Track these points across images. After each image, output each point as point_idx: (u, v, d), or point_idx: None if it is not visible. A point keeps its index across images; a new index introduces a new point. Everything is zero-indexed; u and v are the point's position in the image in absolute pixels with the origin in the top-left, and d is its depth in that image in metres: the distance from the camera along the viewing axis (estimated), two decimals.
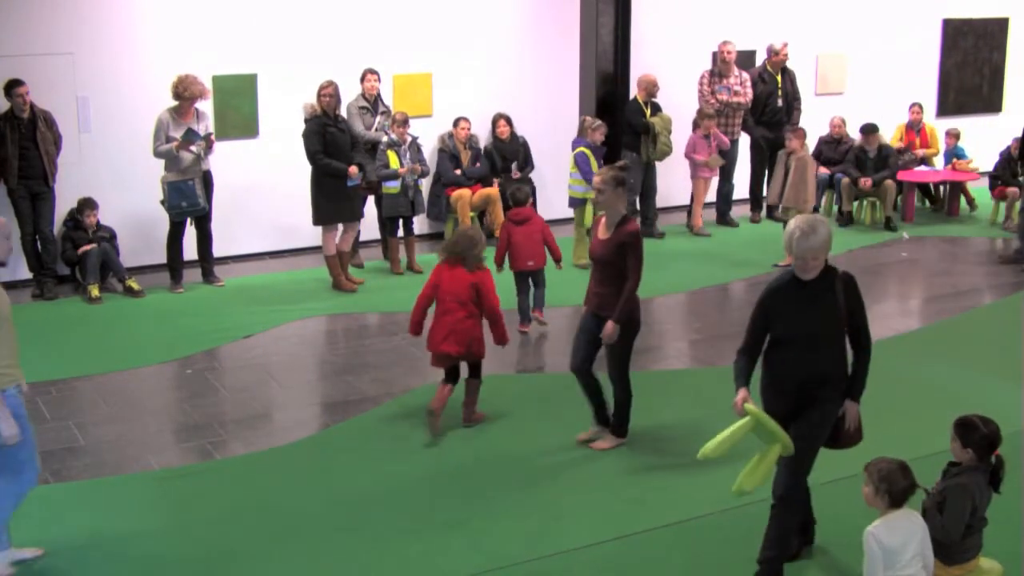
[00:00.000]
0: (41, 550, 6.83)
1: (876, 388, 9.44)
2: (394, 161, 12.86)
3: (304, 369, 10.42)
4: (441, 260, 8.77)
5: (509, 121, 14.76)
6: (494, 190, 14.31)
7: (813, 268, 6.16)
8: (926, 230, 15.53)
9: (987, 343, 10.86)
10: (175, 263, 12.55)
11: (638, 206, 15.04)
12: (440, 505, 7.50)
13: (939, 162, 17.14)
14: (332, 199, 12.38)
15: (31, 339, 10.99)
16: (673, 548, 6.91)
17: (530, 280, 11.25)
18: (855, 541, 5.79)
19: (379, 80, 13.56)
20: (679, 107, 15.35)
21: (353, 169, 12.36)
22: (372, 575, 6.66)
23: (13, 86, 11.89)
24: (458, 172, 14.26)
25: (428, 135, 14.44)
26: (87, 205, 12.47)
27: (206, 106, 12.65)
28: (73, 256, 12.38)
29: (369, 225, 13.67)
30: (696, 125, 14.90)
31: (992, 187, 16.07)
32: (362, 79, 13.41)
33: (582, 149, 13.21)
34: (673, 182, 15.68)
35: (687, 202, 15.64)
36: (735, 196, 15.85)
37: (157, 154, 12.15)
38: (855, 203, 15.92)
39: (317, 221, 12.49)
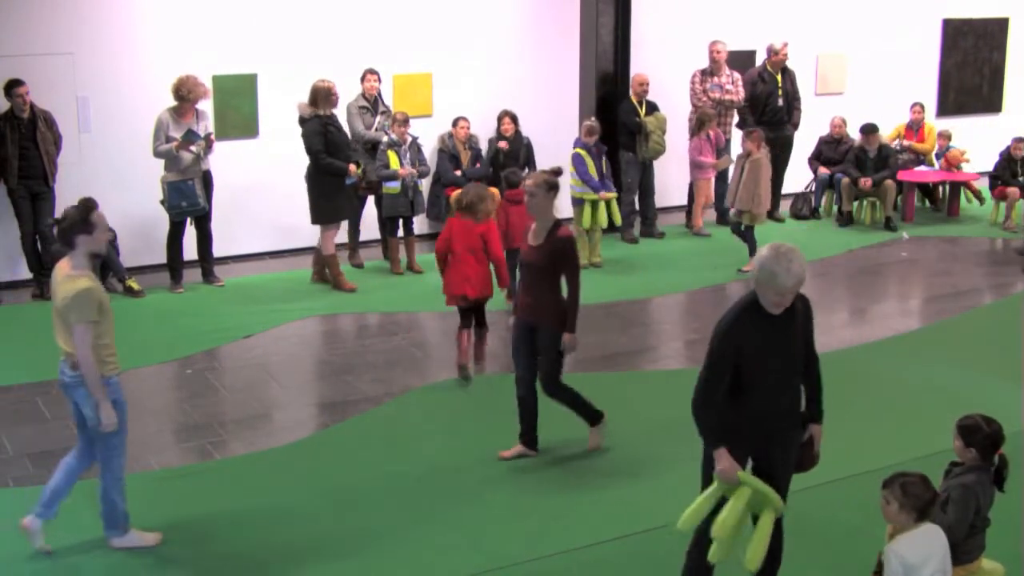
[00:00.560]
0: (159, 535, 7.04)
1: (876, 389, 9.50)
2: (394, 161, 12.86)
3: (304, 369, 10.42)
4: (453, 214, 9.86)
5: (514, 119, 14.74)
6: (493, 190, 14.29)
7: (789, 301, 5.57)
8: (926, 230, 15.53)
9: (987, 343, 10.86)
10: (175, 263, 12.55)
11: (637, 205, 15.05)
12: (440, 505, 7.50)
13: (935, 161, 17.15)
14: (332, 198, 12.39)
15: (31, 339, 11.00)
16: (673, 548, 6.90)
17: None
18: (852, 542, 5.79)
19: (379, 80, 13.56)
20: (679, 107, 15.35)
21: (353, 167, 12.39)
22: (370, 572, 6.66)
23: (13, 86, 11.89)
24: (458, 172, 14.25)
25: (428, 135, 14.43)
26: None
27: (206, 106, 12.65)
28: None
29: (369, 225, 13.67)
30: (701, 125, 14.87)
31: (992, 187, 16.07)
32: (362, 79, 13.41)
33: (577, 150, 13.27)
34: (671, 182, 15.68)
35: (685, 202, 15.64)
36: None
37: (157, 154, 12.14)
38: (855, 203, 15.92)
39: (317, 220, 12.49)
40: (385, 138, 13.01)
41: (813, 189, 16.42)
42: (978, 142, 17.36)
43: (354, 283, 12.64)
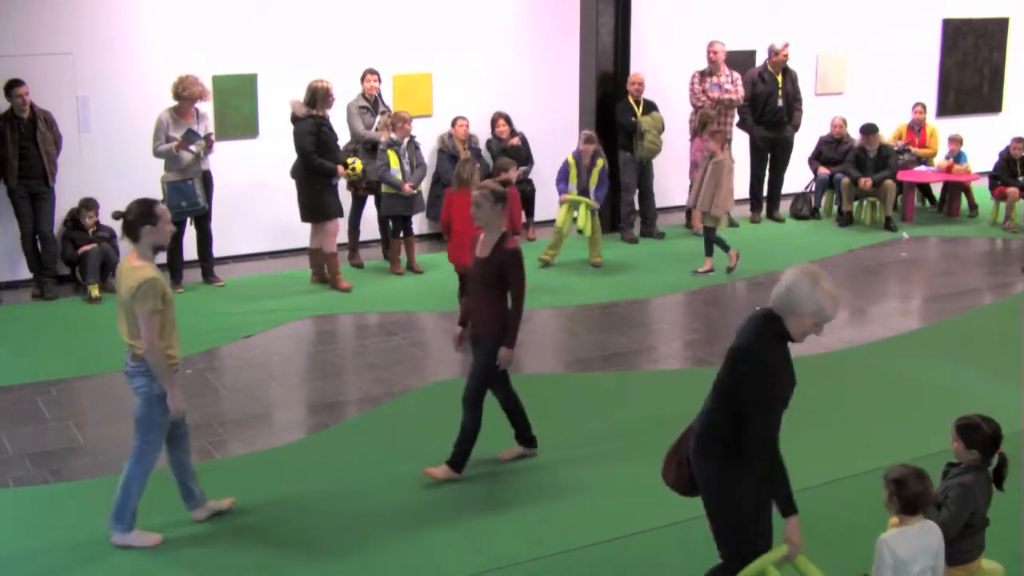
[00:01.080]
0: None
1: (876, 388, 9.50)
2: (394, 161, 12.85)
3: (304, 369, 10.42)
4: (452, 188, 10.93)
5: (508, 120, 14.77)
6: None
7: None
8: (926, 230, 15.53)
9: (987, 343, 10.86)
10: (175, 263, 12.55)
11: (636, 206, 15.05)
12: (439, 505, 7.50)
13: (938, 162, 17.13)
14: (320, 196, 12.41)
15: (31, 339, 11.02)
16: (673, 548, 6.91)
17: None
18: (852, 541, 5.79)
19: (379, 80, 13.56)
20: (679, 107, 15.35)
21: (340, 168, 12.42)
22: (370, 573, 6.67)
23: (13, 86, 11.89)
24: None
25: (428, 135, 14.45)
26: (87, 205, 12.47)
27: (206, 106, 12.65)
28: (73, 256, 12.39)
29: (369, 225, 13.67)
30: (703, 126, 14.85)
31: (992, 187, 16.07)
32: (362, 79, 13.41)
33: (569, 157, 13.43)
34: (671, 182, 15.67)
35: (684, 202, 15.62)
36: (735, 196, 15.80)
37: (157, 154, 12.14)
38: (855, 203, 15.92)
39: (306, 218, 12.50)
40: (384, 138, 13.00)
41: (813, 189, 16.42)
42: (978, 142, 17.35)
43: (350, 283, 12.64)
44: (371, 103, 13.47)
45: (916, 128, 17.20)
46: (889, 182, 15.52)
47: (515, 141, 14.59)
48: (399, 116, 13.03)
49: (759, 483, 5.25)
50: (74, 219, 12.52)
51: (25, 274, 12.56)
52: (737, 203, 15.82)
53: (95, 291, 12.11)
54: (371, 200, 13.49)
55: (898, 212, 16.12)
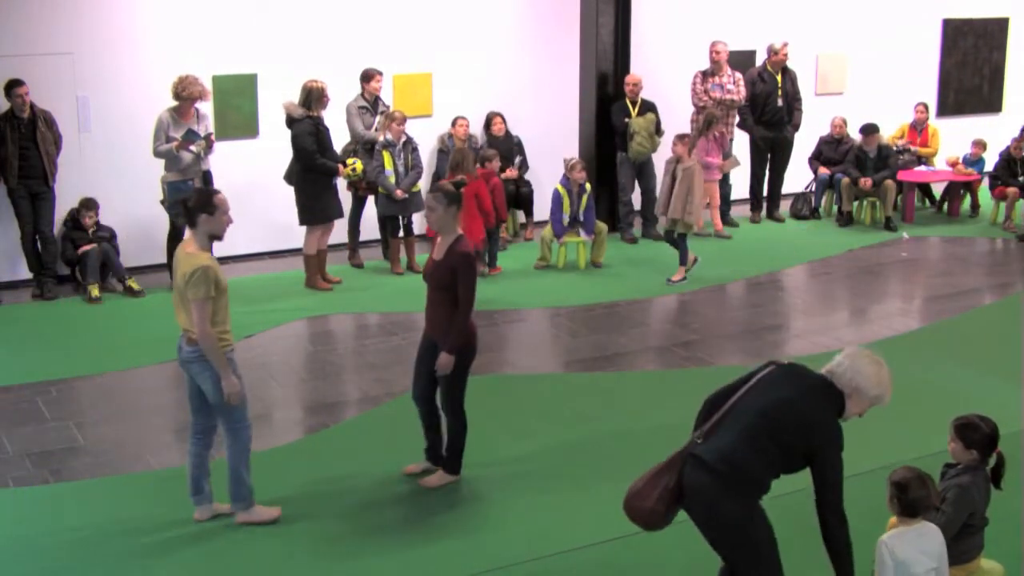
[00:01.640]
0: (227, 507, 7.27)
1: None
2: (388, 162, 12.85)
3: (304, 369, 10.42)
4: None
5: (504, 119, 14.77)
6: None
7: None
8: (926, 230, 15.53)
9: (987, 343, 10.87)
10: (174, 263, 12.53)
11: (635, 206, 15.03)
12: (439, 506, 7.51)
13: (940, 162, 17.12)
14: (320, 198, 12.42)
15: (31, 339, 11.03)
16: (673, 548, 6.91)
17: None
18: (854, 542, 5.78)
19: (381, 80, 13.56)
20: (680, 107, 15.34)
21: (341, 167, 12.43)
22: (369, 573, 6.67)
23: (13, 86, 11.89)
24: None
25: (428, 135, 14.45)
26: (87, 205, 12.47)
27: (206, 106, 12.65)
28: (73, 256, 12.38)
29: (369, 225, 13.67)
30: (708, 126, 14.84)
31: (992, 187, 16.07)
32: (368, 79, 13.38)
33: (558, 187, 13.39)
34: None
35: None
36: (734, 196, 15.83)
37: (157, 154, 12.13)
38: (855, 203, 15.92)
39: (306, 221, 12.50)
40: (381, 138, 13.00)
41: (813, 189, 16.42)
42: None
43: (328, 284, 12.68)
44: (371, 103, 13.46)
45: (918, 128, 17.19)
46: (889, 182, 15.52)
47: (499, 129, 14.63)
48: (391, 116, 13.00)
49: (836, 546, 5.37)
50: (74, 219, 12.52)
51: (25, 274, 12.57)
52: (736, 203, 15.89)
53: (95, 291, 12.11)
54: (371, 200, 13.49)
55: (898, 212, 16.12)
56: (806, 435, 5.30)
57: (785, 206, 16.30)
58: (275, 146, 13.33)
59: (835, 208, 16.16)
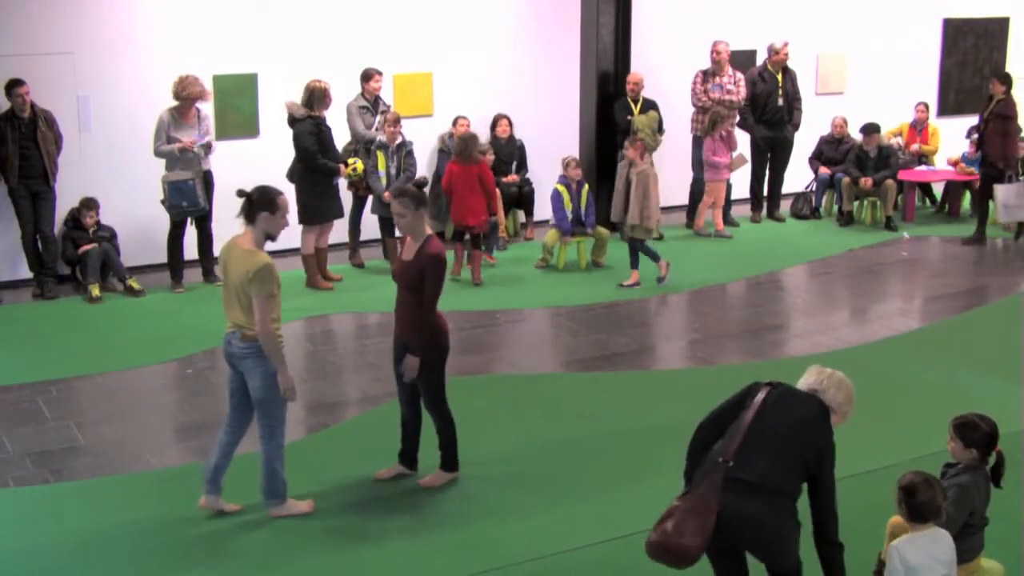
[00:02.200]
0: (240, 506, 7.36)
1: (876, 388, 9.49)
2: (381, 163, 12.85)
3: (304, 369, 10.41)
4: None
5: (510, 122, 14.76)
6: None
7: None
8: (926, 230, 15.52)
9: (987, 343, 10.86)
10: (175, 263, 12.56)
11: None
12: (439, 505, 7.51)
13: (940, 161, 17.10)
14: (321, 198, 12.43)
15: (31, 339, 11.03)
16: None
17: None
18: (851, 542, 5.79)
19: (381, 80, 13.56)
20: (680, 107, 15.34)
21: (342, 167, 12.44)
22: (371, 574, 6.67)
23: (13, 86, 11.89)
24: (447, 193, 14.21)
25: (429, 135, 14.46)
26: (87, 205, 12.47)
27: (207, 106, 12.66)
28: (74, 256, 12.39)
29: (370, 225, 13.66)
30: (713, 125, 14.86)
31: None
32: (368, 79, 13.38)
33: (557, 186, 13.37)
34: (674, 180, 15.61)
35: (686, 202, 15.62)
36: (735, 196, 15.83)
37: (158, 153, 12.15)
38: (855, 203, 15.91)
39: (306, 220, 12.50)
40: (378, 138, 13.00)
41: (814, 189, 16.42)
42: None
43: (329, 283, 12.70)
44: (371, 103, 13.46)
45: (918, 127, 17.17)
46: (890, 182, 15.51)
47: (504, 131, 14.63)
48: (386, 118, 13.01)
49: (832, 559, 5.65)
50: (74, 219, 12.52)
51: (25, 274, 12.57)
52: (737, 203, 15.88)
53: (95, 291, 12.11)
54: (371, 199, 13.49)
55: (899, 212, 16.11)
56: (820, 452, 5.52)
57: (786, 206, 16.29)
58: (275, 146, 13.33)
59: (835, 208, 16.15)
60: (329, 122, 12.57)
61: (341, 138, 13.19)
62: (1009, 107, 14.41)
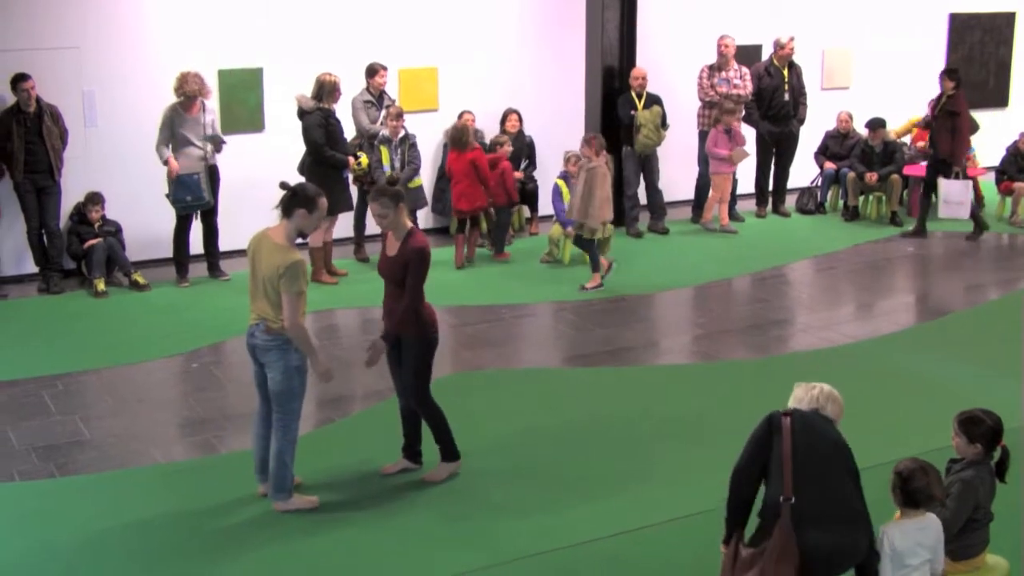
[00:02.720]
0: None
1: (881, 383, 9.50)
2: (385, 157, 12.86)
3: (310, 363, 10.41)
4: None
5: (520, 117, 14.75)
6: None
7: None
8: (932, 225, 15.48)
9: (992, 338, 10.84)
10: (181, 257, 12.57)
11: (642, 199, 15.01)
12: (444, 500, 7.52)
13: None
14: (330, 191, 12.40)
15: (37, 333, 11.05)
16: (681, 543, 6.92)
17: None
18: None
19: (387, 75, 13.55)
20: (686, 102, 15.33)
21: (351, 160, 12.44)
22: (375, 569, 6.68)
23: (19, 80, 11.90)
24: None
25: (434, 129, 14.46)
26: (93, 199, 12.48)
27: (212, 99, 12.66)
28: (79, 250, 12.40)
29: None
30: (716, 120, 14.86)
31: (998, 182, 16.02)
32: (372, 74, 13.38)
33: (558, 181, 13.38)
34: (677, 176, 15.61)
35: (691, 196, 15.61)
36: (740, 191, 15.81)
37: (158, 151, 12.15)
38: (861, 198, 15.89)
39: None
40: (381, 132, 13.01)
41: (819, 184, 16.39)
42: (984, 137, 17.28)
43: (333, 278, 12.72)
44: (376, 97, 13.47)
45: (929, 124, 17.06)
46: (895, 177, 15.49)
47: (513, 126, 14.62)
48: (388, 112, 13.03)
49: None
50: (80, 213, 12.54)
51: (31, 268, 12.58)
52: (742, 197, 15.86)
53: (101, 285, 12.13)
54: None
55: (904, 207, 16.07)
56: (852, 465, 5.53)
57: (791, 201, 16.28)
58: (281, 140, 13.35)
59: (841, 203, 16.13)
60: (337, 115, 12.57)
61: (348, 132, 13.19)
62: (958, 103, 14.43)
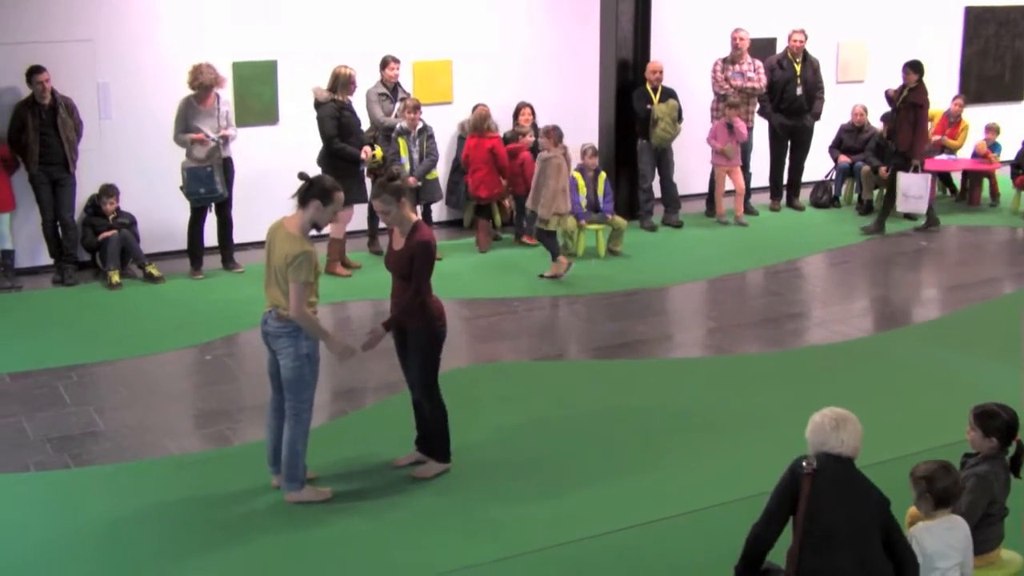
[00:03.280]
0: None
1: (894, 377, 9.48)
2: (404, 149, 12.87)
3: (322, 356, 10.40)
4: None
5: (533, 111, 14.74)
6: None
7: None
8: (946, 219, 15.45)
9: (1006, 333, 10.79)
10: (195, 249, 12.59)
11: (656, 193, 14.99)
12: (455, 491, 7.52)
13: (963, 154, 17.02)
14: (344, 182, 12.39)
15: (51, 325, 11.07)
16: (693, 537, 6.92)
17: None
18: None
19: (398, 67, 13.55)
20: (700, 95, 15.30)
21: (367, 151, 12.44)
22: (386, 561, 6.69)
23: (34, 73, 11.92)
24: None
25: (448, 122, 14.45)
26: (107, 191, 12.51)
27: (227, 93, 12.67)
28: (93, 242, 12.43)
29: None
30: (721, 113, 14.85)
31: (1013, 176, 15.98)
32: (384, 66, 13.40)
33: (574, 173, 13.31)
34: (692, 169, 15.59)
35: (705, 190, 15.59)
36: (754, 184, 15.78)
37: (177, 141, 12.18)
38: (875, 192, 15.84)
39: None
40: (399, 125, 13.02)
41: (833, 177, 16.36)
42: (999, 130, 17.25)
43: (347, 270, 12.72)
44: (390, 90, 13.47)
45: (951, 119, 17.03)
46: None
47: (526, 120, 14.63)
48: (405, 104, 13.04)
49: None
50: (94, 205, 12.57)
51: (45, 260, 12.62)
52: (756, 191, 15.83)
53: (115, 277, 12.16)
54: None
55: None
56: (885, 515, 5.22)
57: (805, 194, 16.25)
58: (295, 133, 13.37)
59: (855, 197, 16.10)
60: (354, 108, 12.58)
61: (365, 125, 13.19)
62: (920, 96, 14.39)
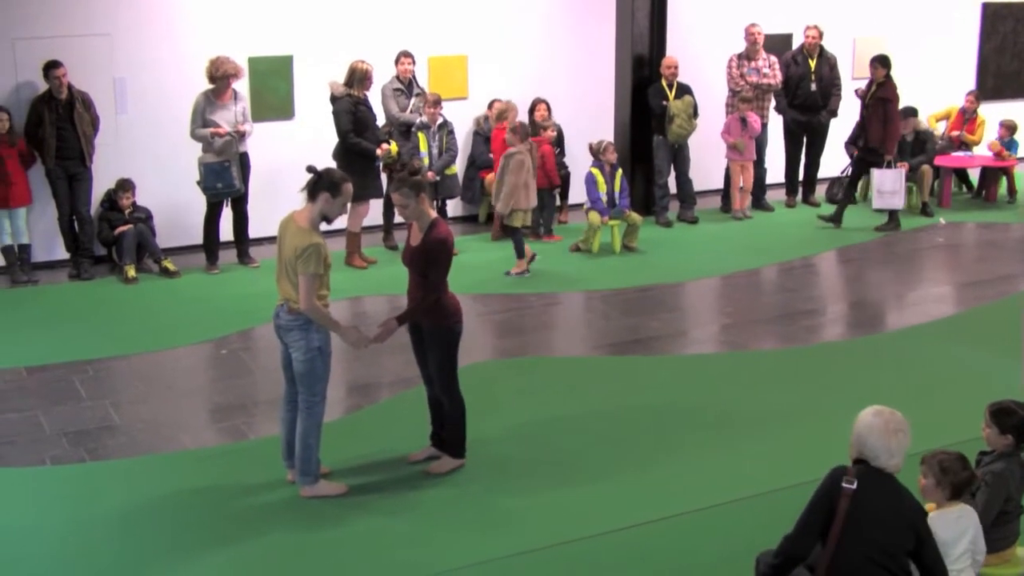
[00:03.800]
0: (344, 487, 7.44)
1: (910, 374, 9.46)
2: (423, 144, 12.89)
3: (337, 350, 10.39)
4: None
5: (549, 107, 14.72)
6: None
7: None
8: (962, 215, 15.41)
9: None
10: (211, 244, 12.62)
11: (672, 188, 14.98)
12: (469, 486, 7.52)
13: (977, 149, 16.96)
14: (360, 178, 12.44)
15: (67, 319, 11.11)
16: (707, 533, 6.91)
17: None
18: None
19: (413, 63, 13.55)
20: (716, 90, 15.28)
21: (384, 147, 12.45)
22: (400, 555, 6.70)
23: (51, 67, 11.96)
24: (492, 155, 14.26)
25: (464, 117, 14.46)
26: (124, 186, 12.54)
27: (243, 87, 12.70)
28: (110, 237, 12.46)
29: None
30: (735, 108, 14.83)
31: None
32: (396, 61, 13.41)
33: (592, 169, 13.35)
34: (710, 165, 15.57)
35: (721, 186, 15.57)
36: (769, 180, 15.75)
37: (194, 136, 12.21)
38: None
39: None
40: (418, 120, 13.04)
41: (849, 173, 16.31)
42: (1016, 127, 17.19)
43: (364, 263, 12.76)
44: (405, 85, 13.48)
45: (967, 115, 16.97)
46: (926, 167, 15.40)
47: (541, 116, 14.61)
48: (424, 98, 13.07)
49: None
50: (111, 200, 12.60)
51: (62, 254, 12.66)
52: (772, 187, 15.79)
53: (131, 271, 12.19)
54: None
55: (934, 197, 15.98)
56: (918, 530, 5.15)
57: (821, 190, 16.20)
58: (310, 127, 13.39)
59: (870, 193, 16.05)
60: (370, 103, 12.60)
61: (381, 120, 13.20)
62: (889, 91, 14.35)
